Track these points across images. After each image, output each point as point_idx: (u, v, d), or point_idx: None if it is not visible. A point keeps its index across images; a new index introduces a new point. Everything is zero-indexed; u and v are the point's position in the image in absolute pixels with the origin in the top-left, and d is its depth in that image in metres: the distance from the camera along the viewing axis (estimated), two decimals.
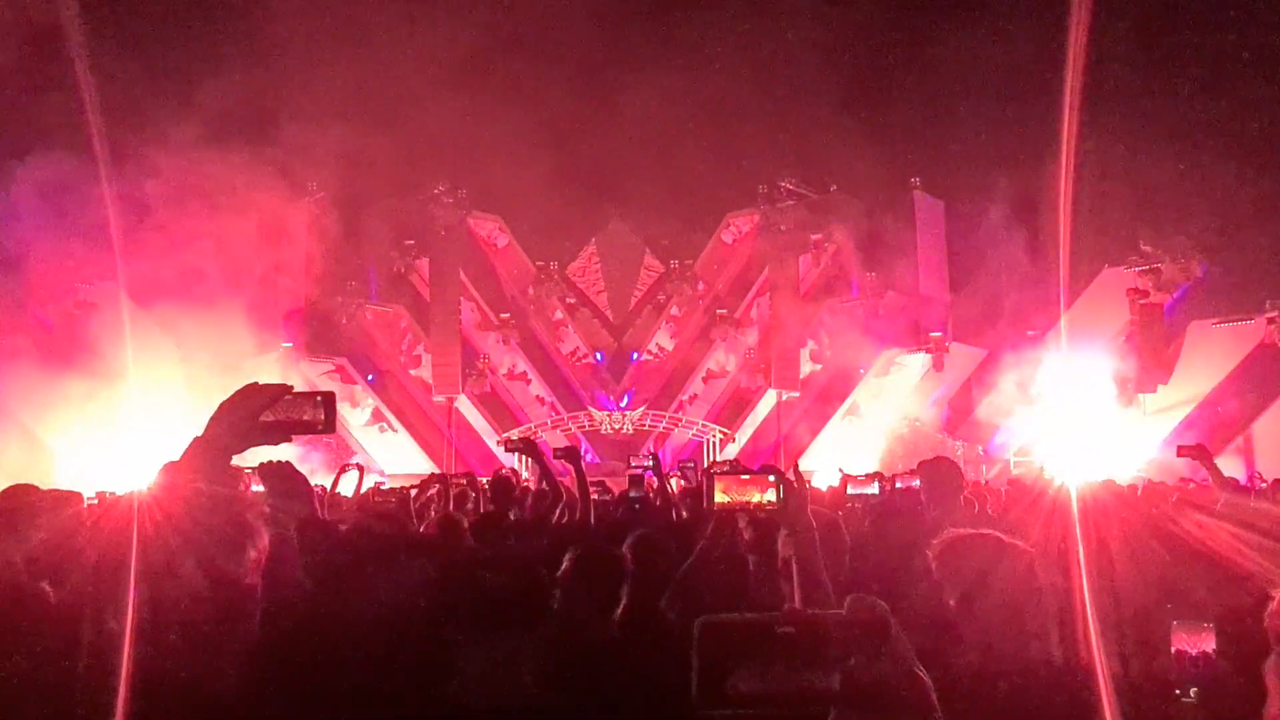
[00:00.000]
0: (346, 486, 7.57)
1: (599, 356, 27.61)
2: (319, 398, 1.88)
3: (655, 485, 6.58)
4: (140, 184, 16.27)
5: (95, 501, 6.86)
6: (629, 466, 7.03)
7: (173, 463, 1.78)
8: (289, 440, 1.87)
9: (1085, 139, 15.14)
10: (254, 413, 1.81)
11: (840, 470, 11.25)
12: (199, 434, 1.78)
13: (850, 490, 5.27)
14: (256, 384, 1.85)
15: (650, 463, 6.92)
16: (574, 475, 5.50)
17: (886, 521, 4.08)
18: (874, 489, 5.08)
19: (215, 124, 17.35)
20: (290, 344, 20.55)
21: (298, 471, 2.55)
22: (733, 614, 1.25)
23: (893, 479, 6.32)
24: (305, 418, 1.86)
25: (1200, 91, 19.50)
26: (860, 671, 1.21)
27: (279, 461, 2.56)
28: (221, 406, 1.81)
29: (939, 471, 4.28)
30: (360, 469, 7.62)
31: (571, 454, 5.76)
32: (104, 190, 14.47)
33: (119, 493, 8.08)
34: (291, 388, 1.87)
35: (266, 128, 18.06)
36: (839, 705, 1.24)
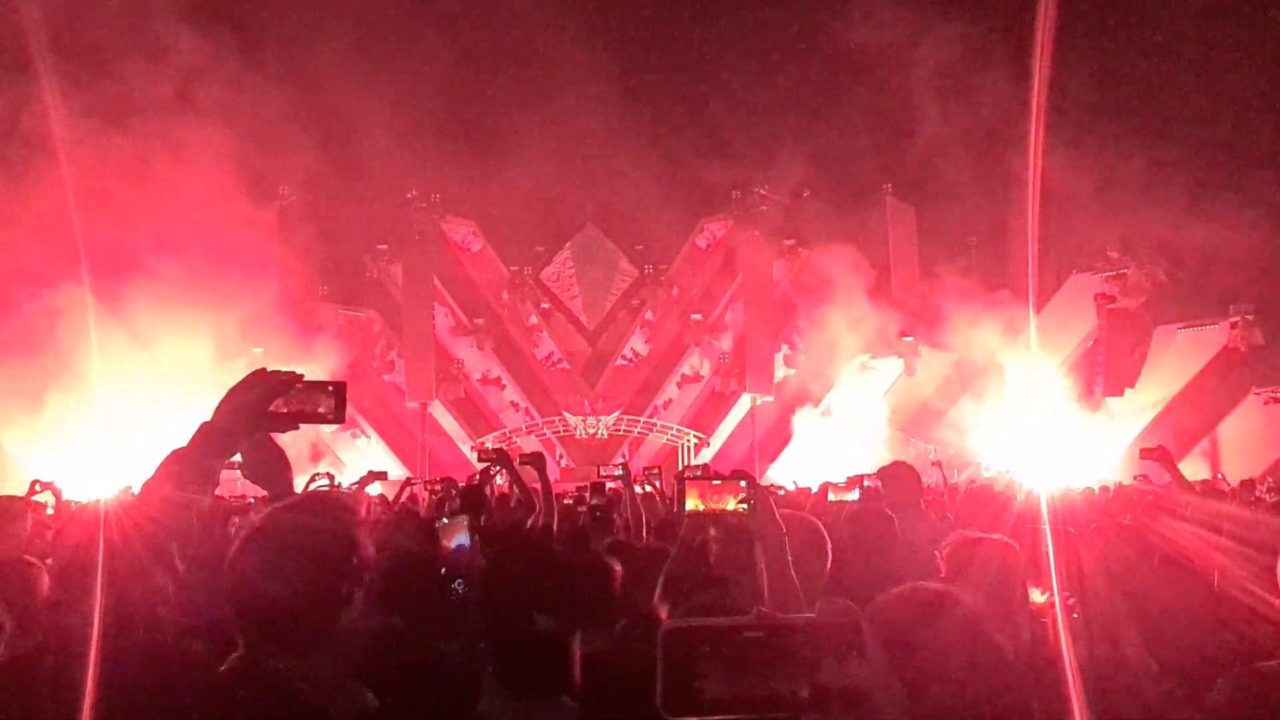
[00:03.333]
0: None
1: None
2: (330, 387, 1.84)
3: (624, 494, 6.58)
4: (107, 185, 16.02)
5: (50, 502, 6.73)
6: (598, 475, 7.02)
7: (179, 449, 1.73)
8: (296, 429, 1.83)
9: (1053, 146, 15.36)
10: (265, 400, 1.77)
11: (794, 482, 11.28)
12: (206, 420, 1.74)
13: (831, 497, 5.25)
14: (265, 370, 1.81)
15: (620, 472, 6.92)
16: (539, 482, 5.49)
17: (863, 526, 4.09)
18: (854, 495, 5.06)
19: (187, 126, 17.15)
20: (261, 349, 20.29)
21: (278, 446, 2.44)
22: (698, 619, 1.23)
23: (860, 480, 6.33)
24: (319, 409, 1.82)
25: (1165, 98, 19.85)
26: (831, 678, 1.18)
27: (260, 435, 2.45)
28: (231, 393, 1.76)
29: (897, 477, 4.31)
30: (331, 478, 7.57)
31: (537, 460, 5.75)
32: (69, 192, 14.24)
33: (82, 499, 7.94)
34: (302, 376, 1.82)
35: (238, 130, 17.87)
36: (809, 713, 1.20)
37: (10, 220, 15.55)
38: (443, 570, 2.46)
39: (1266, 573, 2.62)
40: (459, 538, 1.97)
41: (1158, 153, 18.85)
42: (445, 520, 2.11)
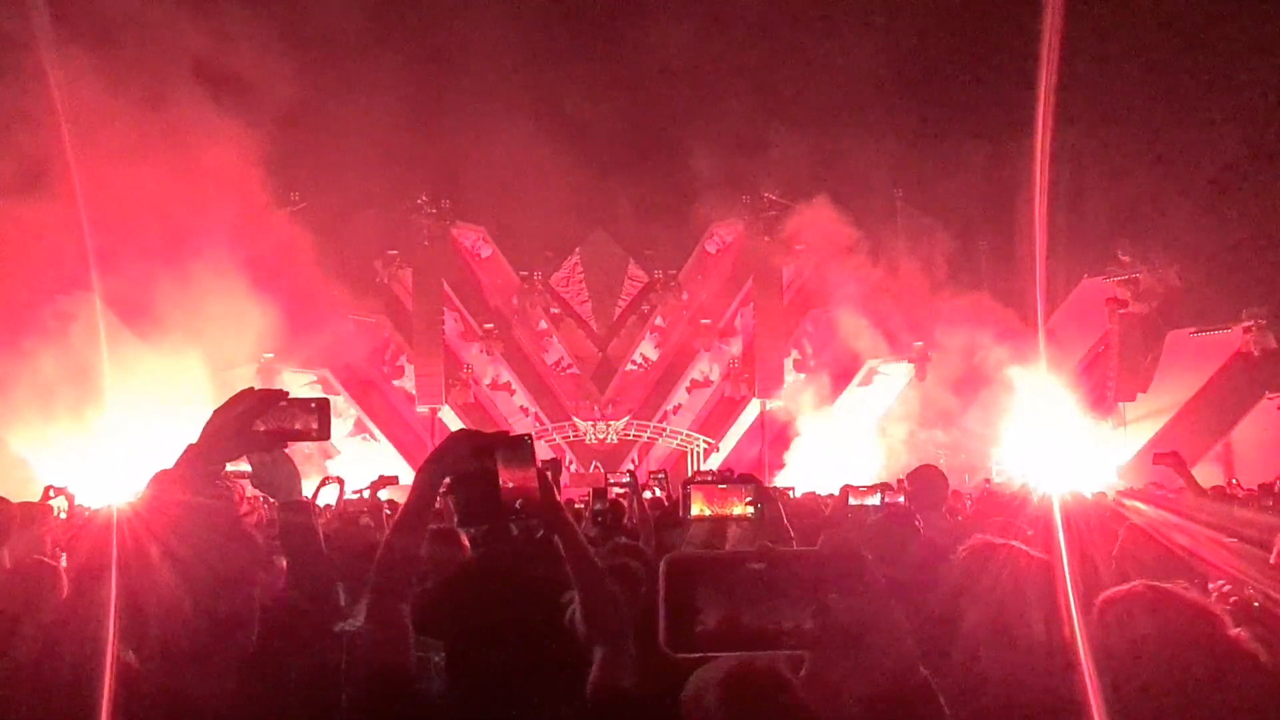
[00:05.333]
0: (327, 499, 7.53)
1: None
2: (314, 405, 1.86)
3: (631, 501, 6.59)
4: (118, 192, 16.12)
5: (63, 507, 6.77)
6: (606, 484, 7.02)
7: (165, 470, 1.75)
8: (283, 447, 1.84)
9: (1064, 150, 15.31)
10: (248, 419, 1.79)
11: (795, 489, 11.24)
12: (192, 441, 1.76)
13: (852, 501, 5.18)
14: (251, 390, 1.83)
15: (627, 479, 6.95)
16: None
17: (888, 528, 4.06)
18: (875, 500, 4.96)
19: (197, 133, 17.24)
20: (271, 354, 20.38)
21: (285, 454, 2.45)
22: (701, 551, 1.20)
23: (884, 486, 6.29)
24: (299, 426, 1.84)
25: (1178, 101, 19.76)
26: (836, 611, 1.15)
27: None
28: (215, 413, 1.78)
29: (926, 480, 4.30)
30: (340, 482, 7.59)
31: (554, 467, 5.78)
32: (80, 198, 14.33)
33: (96, 505, 7.98)
34: (287, 394, 1.84)
35: (248, 136, 17.95)
36: (814, 645, 1.18)
37: (22, 226, 15.67)
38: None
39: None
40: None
41: (1170, 156, 18.77)
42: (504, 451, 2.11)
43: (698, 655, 1.14)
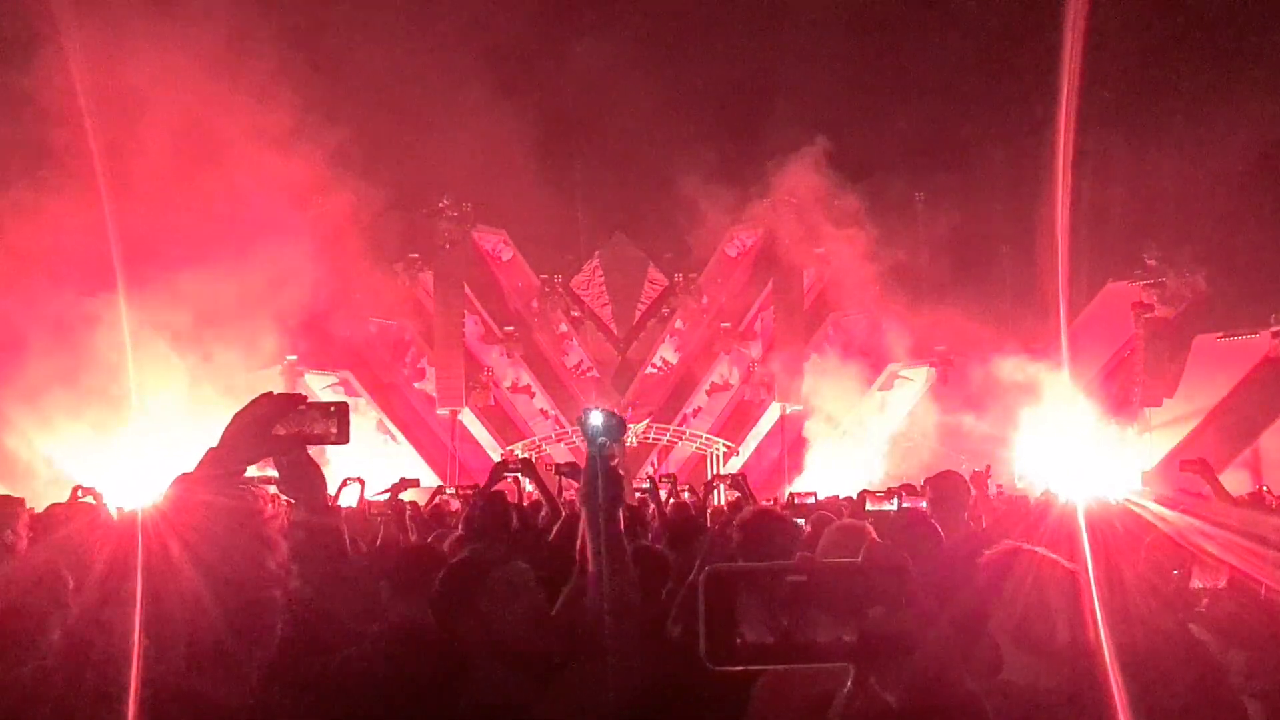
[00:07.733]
0: (349, 499, 7.59)
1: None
2: (333, 409, 1.89)
3: (651, 505, 6.62)
4: (143, 195, 16.30)
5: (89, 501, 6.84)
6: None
7: (186, 474, 1.78)
8: (302, 452, 1.86)
9: (1089, 152, 15.17)
10: (268, 424, 1.81)
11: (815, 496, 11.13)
12: (213, 445, 1.78)
13: (869, 507, 5.15)
14: (270, 394, 1.86)
15: (647, 484, 6.98)
16: (577, 490, 5.47)
17: (907, 533, 4.03)
18: (893, 505, 4.94)
19: (219, 137, 17.41)
20: (294, 356, 20.54)
21: (311, 458, 2.48)
22: (741, 563, 1.18)
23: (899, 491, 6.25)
24: (318, 430, 1.87)
25: (1205, 104, 19.53)
26: (880, 624, 1.13)
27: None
28: (235, 418, 1.81)
29: (948, 486, 4.26)
30: (361, 482, 7.65)
31: (573, 470, 5.77)
32: (106, 201, 14.52)
33: (124, 506, 8.06)
34: (305, 398, 1.87)
35: (271, 140, 18.11)
36: (856, 659, 1.16)
37: (49, 229, 15.89)
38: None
39: None
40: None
41: (1197, 157, 18.53)
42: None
43: (738, 669, 1.12)
